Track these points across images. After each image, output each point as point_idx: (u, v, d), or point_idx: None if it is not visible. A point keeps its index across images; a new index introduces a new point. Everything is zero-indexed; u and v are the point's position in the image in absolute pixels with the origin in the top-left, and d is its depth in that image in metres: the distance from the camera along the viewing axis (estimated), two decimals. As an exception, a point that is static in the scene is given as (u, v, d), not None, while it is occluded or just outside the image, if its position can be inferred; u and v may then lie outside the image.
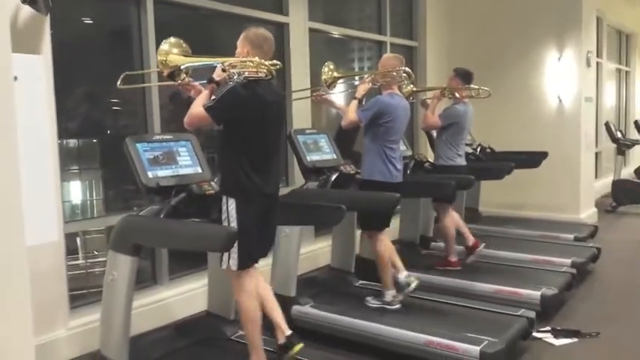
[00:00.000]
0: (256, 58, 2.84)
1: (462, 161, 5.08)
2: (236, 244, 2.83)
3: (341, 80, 4.50)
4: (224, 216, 2.92)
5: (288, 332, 3.06)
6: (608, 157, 9.88)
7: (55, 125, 3.39)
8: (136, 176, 3.09)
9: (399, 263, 4.13)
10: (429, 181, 4.88)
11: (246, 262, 2.98)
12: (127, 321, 3.00)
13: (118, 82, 3.17)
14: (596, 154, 9.07)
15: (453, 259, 4.99)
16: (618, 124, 10.90)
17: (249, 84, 2.86)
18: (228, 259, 2.92)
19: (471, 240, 5.01)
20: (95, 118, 4.27)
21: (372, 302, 4.10)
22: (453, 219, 5.06)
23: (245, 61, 2.85)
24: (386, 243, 4.13)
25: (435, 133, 5.34)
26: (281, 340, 3.05)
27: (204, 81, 2.99)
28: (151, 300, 4.07)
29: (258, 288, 3.09)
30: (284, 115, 3.19)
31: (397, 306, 4.02)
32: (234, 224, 2.89)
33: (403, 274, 4.07)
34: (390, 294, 4.05)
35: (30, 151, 2.94)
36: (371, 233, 4.16)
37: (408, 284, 4.02)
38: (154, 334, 3.68)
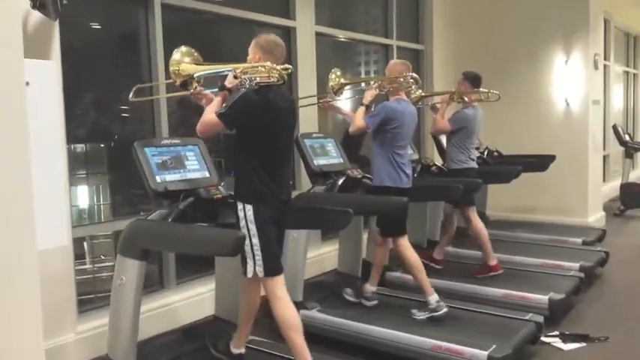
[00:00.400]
0: (268, 63, 2.84)
1: (473, 164, 5.07)
2: (259, 251, 2.85)
3: (348, 86, 4.50)
4: (242, 223, 2.90)
5: None
6: (616, 161, 9.84)
7: (63, 130, 3.41)
8: (145, 180, 3.10)
9: (428, 285, 4.05)
10: (437, 185, 4.86)
11: (273, 267, 2.96)
12: (134, 325, 3.00)
13: (130, 95, 3.18)
14: (604, 158, 9.03)
15: (493, 262, 4.88)
16: (626, 126, 10.85)
17: (261, 89, 2.86)
18: (254, 266, 2.91)
19: (441, 254, 5.15)
20: (103, 123, 4.28)
21: (418, 315, 3.91)
22: (479, 221, 5.04)
23: (257, 67, 2.86)
24: (410, 248, 4.11)
25: (443, 138, 5.33)
26: None
27: (216, 89, 3.00)
28: (158, 304, 4.08)
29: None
30: (296, 120, 3.20)
31: (445, 310, 3.87)
32: (253, 231, 2.88)
33: (433, 297, 3.95)
34: (433, 299, 3.92)
35: (41, 155, 2.95)
36: (394, 240, 4.14)
37: (437, 308, 3.90)
38: (162, 339, 3.67)
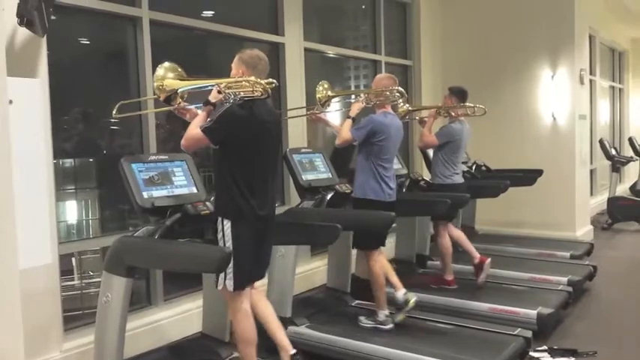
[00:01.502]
0: (252, 77, 2.86)
1: (459, 179, 5.10)
2: (231, 265, 2.84)
3: (337, 99, 4.53)
4: (219, 236, 2.93)
5: (292, 351, 3.09)
6: (603, 175, 9.92)
7: (50, 146, 3.39)
8: (131, 197, 3.08)
9: (397, 281, 4.12)
10: (424, 200, 4.88)
11: (243, 282, 2.98)
12: (120, 343, 2.97)
13: (114, 112, 3.19)
14: (591, 172, 9.10)
15: (449, 277, 4.98)
16: (613, 141, 10.96)
17: (245, 104, 2.88)
18: (225, 279, 2.93)
19: (476, 257, 4.97)
20: (91, 137, 4.27)
21: (365, 322, 4.09)
22: (454, 236, 5.07)
23: (240, 81, 2.88)
24: (382, 261, 4.13)
25: (431, 152, 5.36)
26: None
27: (201, 104, 3.01)
28: (145, 321, 4.03)
29: (261, 307, 3.09)
30: (280, 134, 3.21)
31: (390, 326, 3.99)
32: (229, 245, 2.89)
33: (401, 292, 4.07)
34: (383, 313, 4.03)
35: (25, 174, 2.93)
36: (367, 252, 4.15)
37: (407, 301, 4.01)
38: (149, 356, 3.63)
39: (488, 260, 4.93)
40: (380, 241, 4.17)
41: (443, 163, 5.03)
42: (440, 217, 4.94)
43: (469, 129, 5.20)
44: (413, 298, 4.03)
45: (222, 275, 2.92)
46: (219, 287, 2.96)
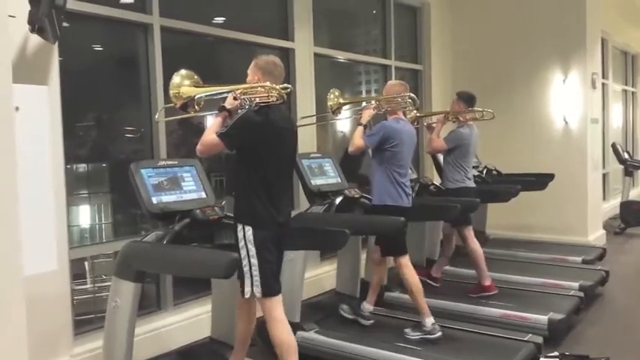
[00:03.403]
0: (267, 83, 2.88)
1: (470, 183, 5.08)
2: (257, 271, 2.86)
3: (347, 106, 4.54)
4: (241, 244, 2.91)
5: None
6: (616, 179, 9.83)
7: (61, 152, 3.42)
8: (140, 202, 3.11)
9: (425, 307, 3.98)
10: (435, 205, 4.86)
11: (271, 287, 2.97)
12: (129, 348, 2.99)
13: (156, 116, 3.19)
14: (604, 176, 9.02)
15: (487, 282, 4.86)
16: (625, 145, 10.86)
17: (261, 109, 2.90)
18: (252, 287, 2.92)
19: (439, 272, 5.17)
20: (104, 143, 4.32)
21: (412, 335, 3.90)
22: (475, 241, 5.04)
23: (256, 87, 2.91)
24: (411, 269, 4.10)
25: (441, 157, 5.35)
26: None
27: (216, 111, 3.02)
28: (155, 326, 4.05)
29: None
30: (296, 140, 3.22)
31: (439, 334, 3.84)
32: (252, 252, 2.89)
33: (429, 320, 3.91)
34: (429, 321, 3.89)
35: (31, 180, 2.96)
36: (394, 258, 4.14)
37: (432, 331, 3.86)
38: (158, 361, 3.66)
39: (495, 292, 4.83)
40: (402, 245, 4.13)
41: (454, 168, 5.01)
42: (457, 222, 4.91)
43: (477, 133, 5.18)
44: (437, 333, 3.86)
45: (248, 283, 2.91)
46: (247, 296, 2.94)
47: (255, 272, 2.90)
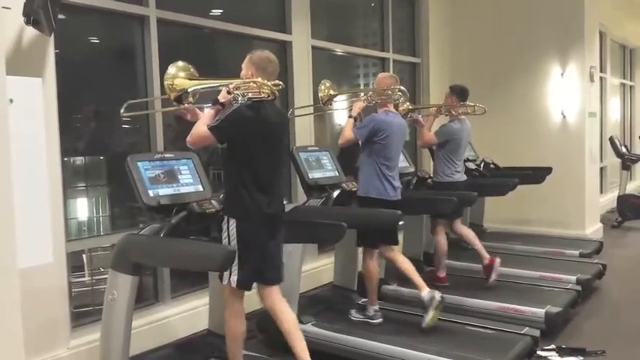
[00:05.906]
0: (259, 79, 2.90)
1: (460, 177, 5.08)
2: (236, 262, 2.86)
3: (342, 97, 4.54)
4: (224, 235, 2.95)
5: None
6: (614, 172, 9.84)
7: (57, 145, 3.41)
8: (137, 195, 3.10)
9: (420, 280, 4.06)
10: (430, 198, 4.86)
11: (247, 281, 3.00)
12: (126, 341, 2.99)
13: (121, 110, 3.20)
14: (601, 169, 9.03)
15: (441, 274, 4.99)
16: (623, 138, 10.87)
17: (253, 104, 2.91)
18: (229, 275, 2.95)
19: (486, 258, 4.92)
20: (102, 135, 4.31)
21: (355, 315, 4.15)
22: (464, 234, 5.08)
23: (248, 82, 2.92)
24: (402, 260, 4.16)
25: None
26: None
27: (209, 104, 3.02)
28: (153, 318, 4.05)
29: (285, 320, 3.07)
30: (287, 135, 3.24)
31: (379, 320, 4.05)
32: (234, 243, 2.91)
33: (425, 292, 3.97)
34: (372, 308, 4.09)
35: (26, 173, 2.95)
36: (373, 250, 4.15)
37: (432, 299, 3.91)
38: (155, 353, 3.65)
39: (498, 260, 4.89)
40: (389, 239, 4.16)
41: (444, 162, 5.03)
42: (439, 215, 4.92)
43: (469, 128, 5.17)
44: (437, 296, 3.91)
45: (227, 272, 2.94)
46: (224, 282, 2.98)
47: (235, 263, 2.89)
